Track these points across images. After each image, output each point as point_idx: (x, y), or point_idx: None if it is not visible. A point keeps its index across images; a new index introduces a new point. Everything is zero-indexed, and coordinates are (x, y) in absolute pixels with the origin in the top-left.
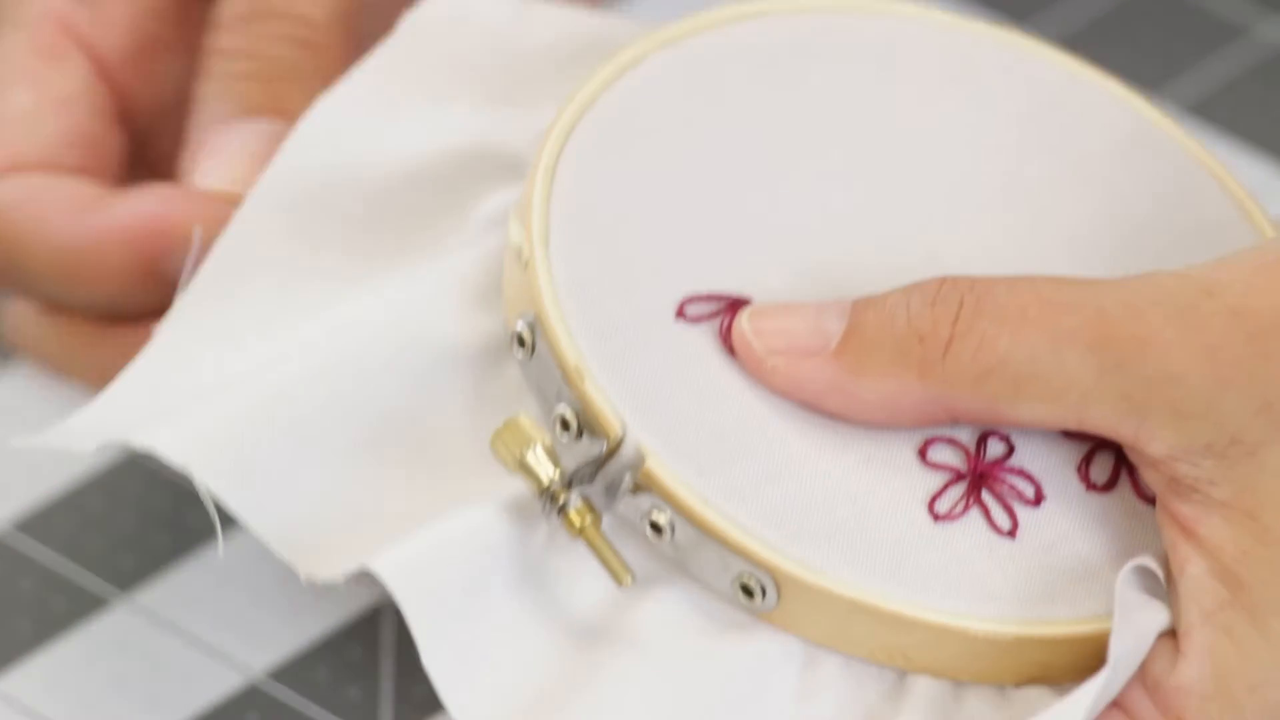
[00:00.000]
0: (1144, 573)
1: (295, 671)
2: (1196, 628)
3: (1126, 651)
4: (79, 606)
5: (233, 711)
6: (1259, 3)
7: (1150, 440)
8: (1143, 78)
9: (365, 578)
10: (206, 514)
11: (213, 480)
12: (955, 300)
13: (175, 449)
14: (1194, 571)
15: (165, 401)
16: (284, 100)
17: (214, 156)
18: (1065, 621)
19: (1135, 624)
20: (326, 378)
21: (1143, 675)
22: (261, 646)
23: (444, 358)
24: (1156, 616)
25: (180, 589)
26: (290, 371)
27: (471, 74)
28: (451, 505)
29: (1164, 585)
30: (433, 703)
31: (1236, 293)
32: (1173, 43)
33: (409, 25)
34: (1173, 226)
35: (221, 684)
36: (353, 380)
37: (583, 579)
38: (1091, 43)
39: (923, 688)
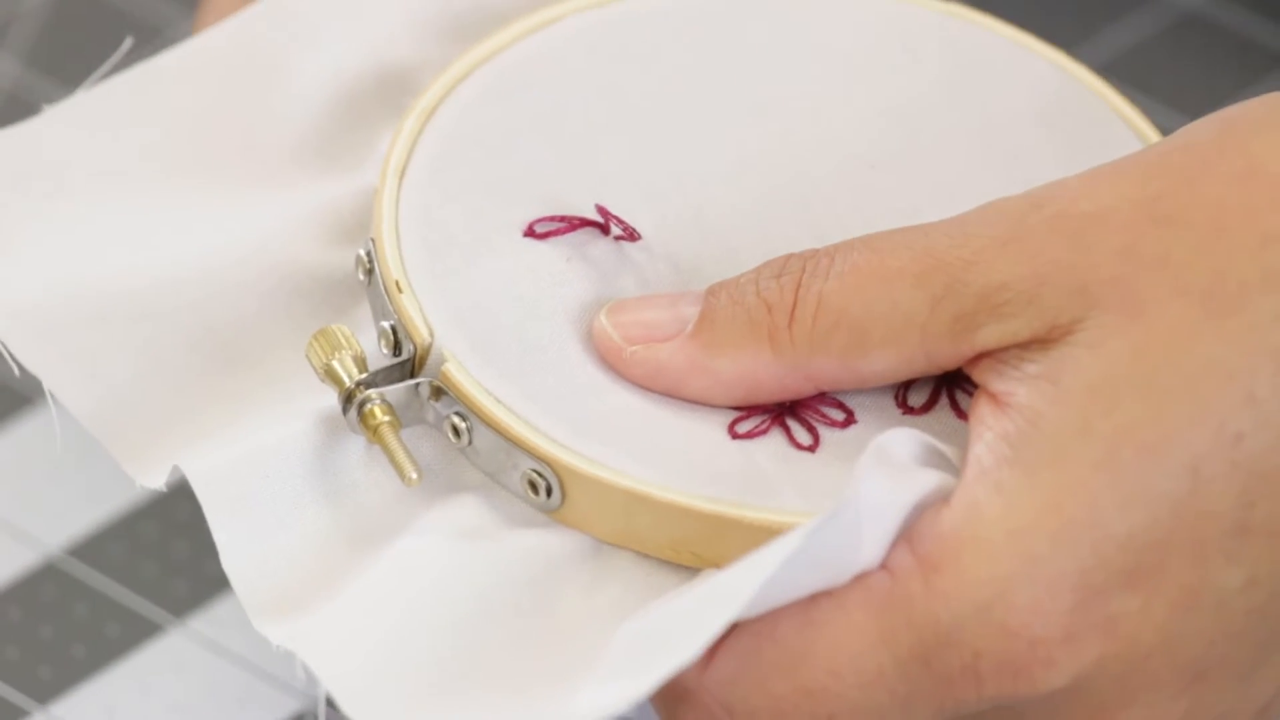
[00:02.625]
0: (932, 453)
1: None
2: (968, 483)
3: (872, 492)
4: (134, 632)
5: None
6: None
7: (981, 345)
8: (1056, 39)
9: None
10: None
11: (37, 363)
12: (798, 269)
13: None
14: (987, 436)
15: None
16: None
17: None
18: None
19: (890, 474)
20: (180, 284)
21: (907, 533)
22: None
23: (298, 286)
24: (924, 477)
25: (235, 614)
26: (147, 271)
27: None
28: (274, 420)
29: (954, 465)
30: None
31: (1064, 202)
32: (1085, 6)
33: None
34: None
35: (278, 709)
36: (204, 291)
37: (386, 485)
38: (1007, 7)
39: (711, 573)
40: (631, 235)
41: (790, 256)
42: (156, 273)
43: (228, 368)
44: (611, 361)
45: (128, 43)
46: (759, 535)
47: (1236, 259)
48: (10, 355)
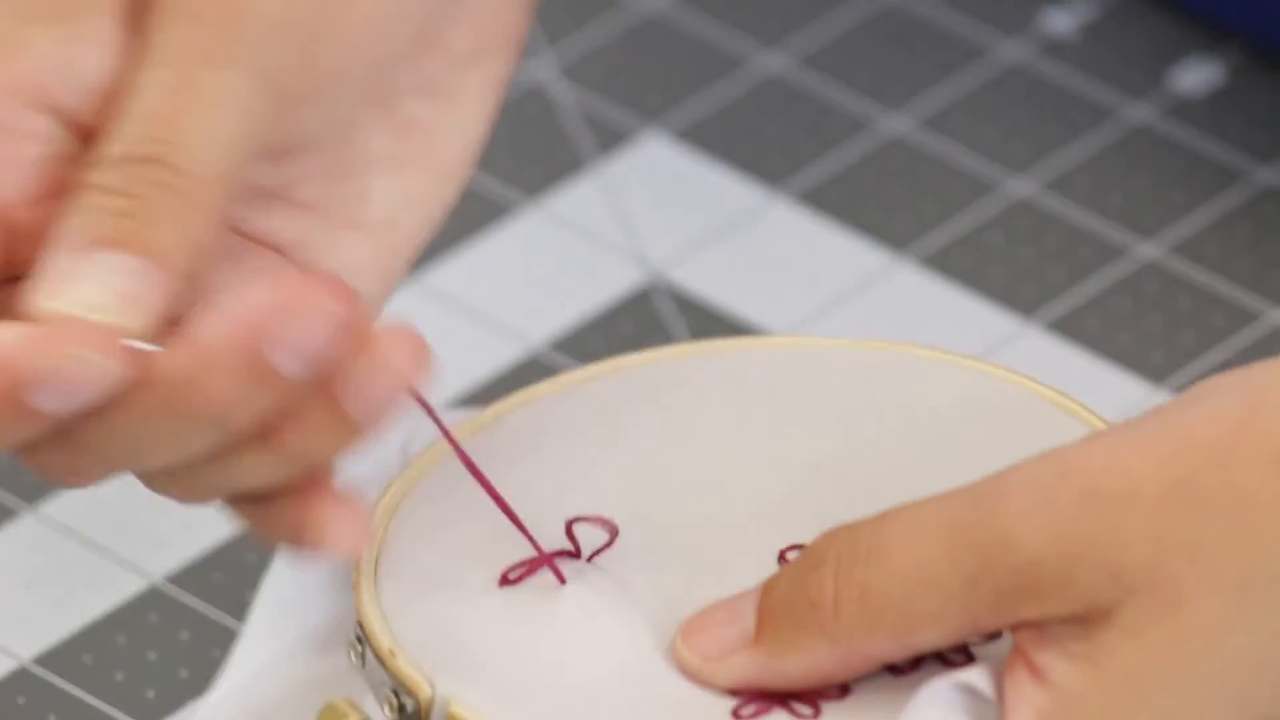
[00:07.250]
0: (965, 692)
1: None
2: None
3: None
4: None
5: None
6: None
7: (1023, 617)
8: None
9: None
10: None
11: None
12: (833, 557)
13: None
14: (1024, 712)
15: None
16: (151, 243)
17: (66, 280)
18: None
19: None
20: None
21: None
22: None
23: (291, 700)
24: None
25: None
26: None
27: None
28: None
29: (992, 702)
30: None
31: (1090, 474)
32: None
33: None
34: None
35: None
36: None
37: None
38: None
39: None
40: (611, 534)
41: (822, 539)
42: None
43: None
44: (695, 679)
45: None
46: None
47: (1268, 552)
48: None
